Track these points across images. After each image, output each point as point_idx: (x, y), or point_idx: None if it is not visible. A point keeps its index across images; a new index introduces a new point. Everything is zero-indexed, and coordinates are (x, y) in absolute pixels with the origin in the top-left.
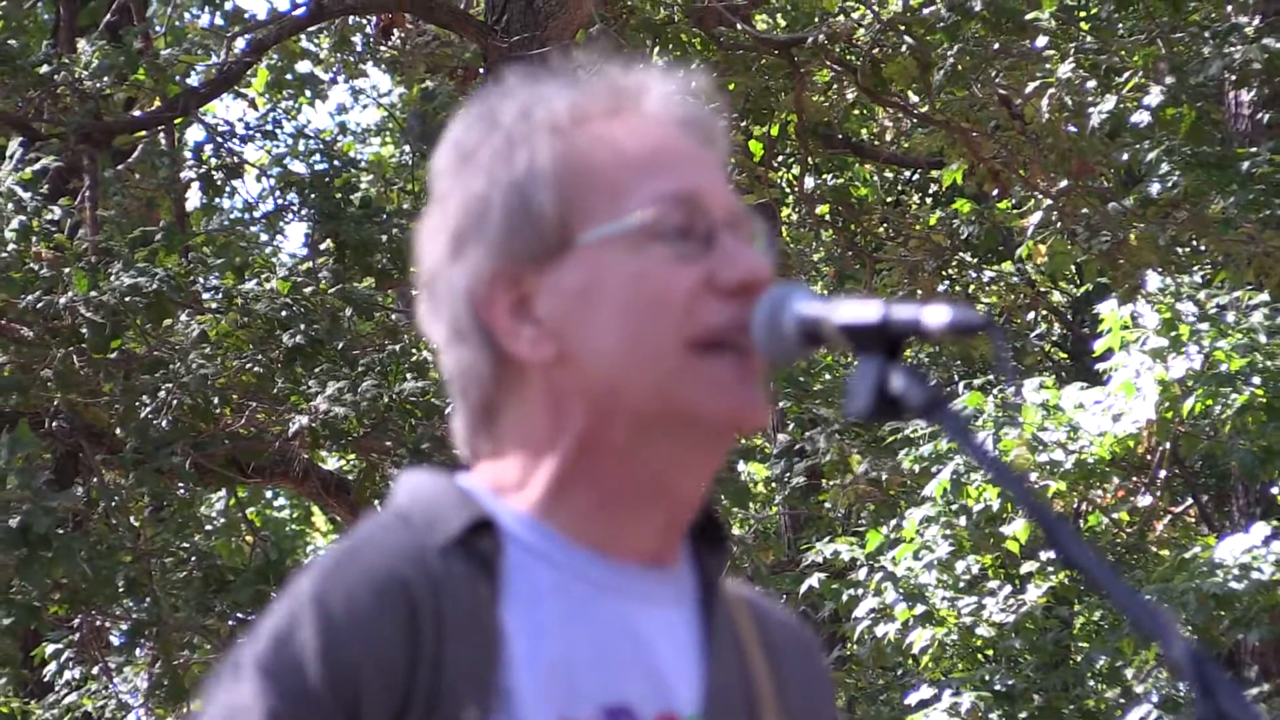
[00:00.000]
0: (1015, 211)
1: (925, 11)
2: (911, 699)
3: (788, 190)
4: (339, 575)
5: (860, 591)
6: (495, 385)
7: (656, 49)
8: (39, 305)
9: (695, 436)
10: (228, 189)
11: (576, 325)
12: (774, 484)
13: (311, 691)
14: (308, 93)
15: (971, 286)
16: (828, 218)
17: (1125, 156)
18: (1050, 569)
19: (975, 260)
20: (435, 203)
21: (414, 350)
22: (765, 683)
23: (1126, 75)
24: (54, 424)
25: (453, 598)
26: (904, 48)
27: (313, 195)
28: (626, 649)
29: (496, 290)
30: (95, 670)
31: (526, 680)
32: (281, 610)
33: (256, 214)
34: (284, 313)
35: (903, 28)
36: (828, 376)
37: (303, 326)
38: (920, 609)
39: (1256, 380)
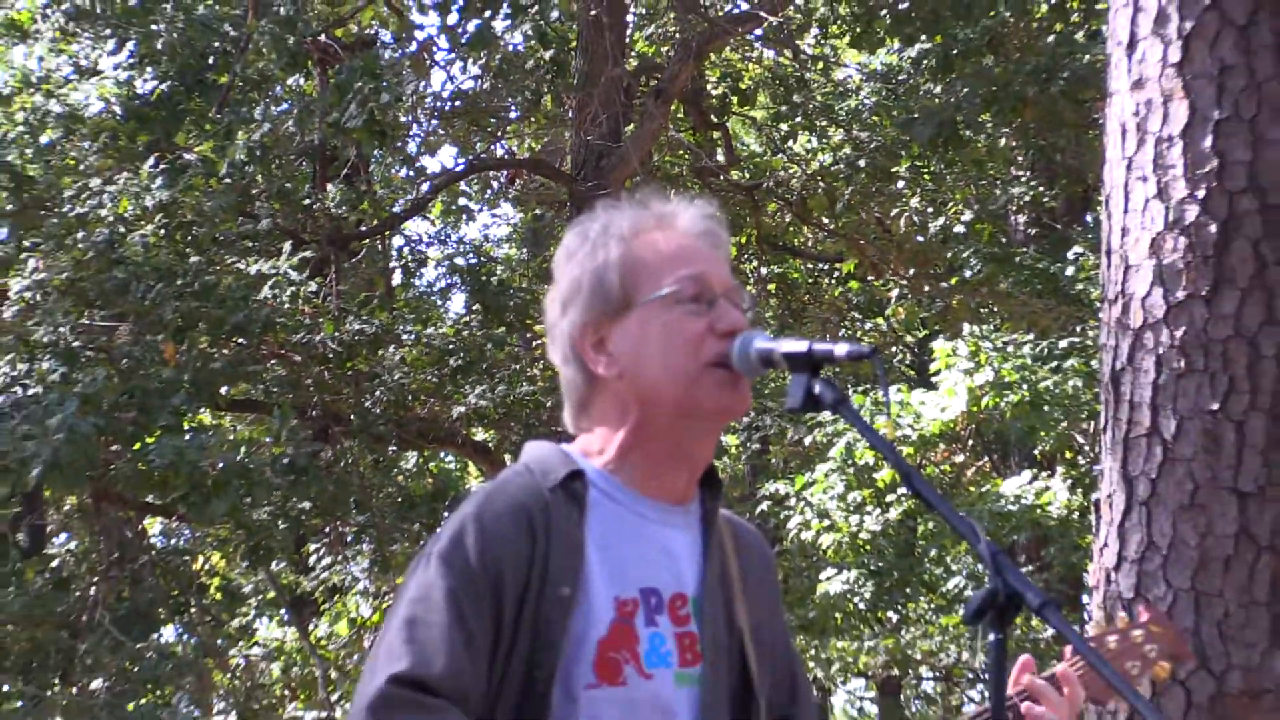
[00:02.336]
0: (885, 288)
1: (833, 168)
2: (822, 576)
3: (750, 276)
4: (489, 502)
5: (791, 513)
6: (586, 392)
7: (672, 192)
8: (303, 341)
9: (702, 422)
10: (418, 274)
11: (633, 355)
12: (740, 447)
13: (474, 573)
14: (465, 216)
15: (859, 333)
16: (774, 291)
17: (950, 254)
18: (904, 498)
19: (861, 317)
20: (554, 283)
21: (528, 369)
22: (737, 575)
23: (951, 205)
24: (313, 413)
25: (555, 519)
26: (819, 189)
27: (468, 278)
28: (657, 555)
29: (585, 334)
30: (338, 558)
31: (596, 572)
32: (454, 522)
33: (435, 288)
34: (450, 346)
35: (820, 178)
36: (773, 385)
37: (462, 355)
38: (827, 523)
39: (1025, 387)
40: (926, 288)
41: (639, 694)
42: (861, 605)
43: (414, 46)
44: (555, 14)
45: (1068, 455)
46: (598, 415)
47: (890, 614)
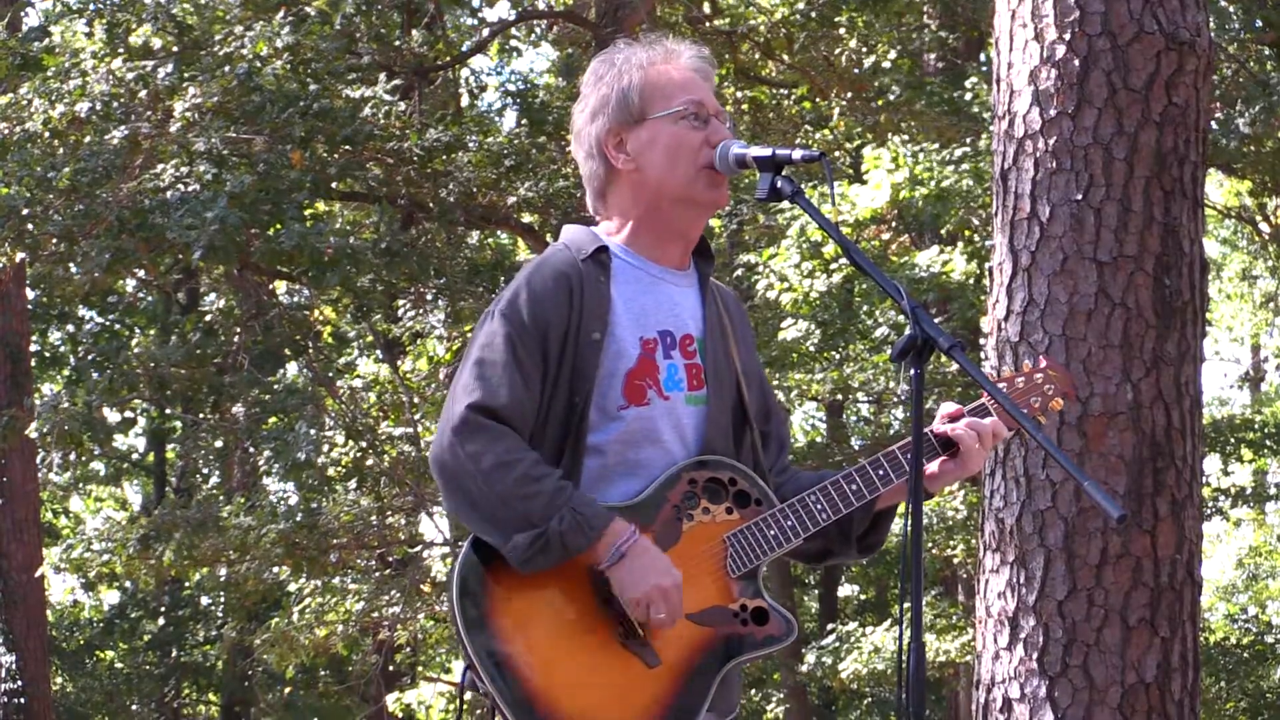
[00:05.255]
0: (829, 108)
1: (791, 18)
2: (783, 325)
3: (729, 100)
4: (537, 271)
5: (760, 277)
6: (605, 181)
7: (670, 35)
8: (395, 148)
9: (697, 209)
10: (480, 97)
11: (646, 155)
12: (722, 227)
13: (526, 325)
14: (515, 54)
15: (810, 142)
16: (747, 110)
17: (878, 83)
18: (844, 266)
19: (812, 129)
20: (582, 97)
21: (562, 169)
22: (728, 323)
23: (879, 45)
24: (401, 201)
25: (587, 282)
26: (781, 34)
27: (518, 100)
28: (669, 305)
29: (609, 137)
30: (420, 311)
31: (621, 318)
32: (511, 286)
33: (493, 108)
34: (504, 151)
35: (781, 25)
36: (746, 182)
37: (513, 157)
38: (786, 285)
39: (933, 183)
40: (860, 108)
41: (658, 411)
42: (812, 347)
43: None
44: None
45: (966, 234)
46: (613, 202)
47: (834, 354)
